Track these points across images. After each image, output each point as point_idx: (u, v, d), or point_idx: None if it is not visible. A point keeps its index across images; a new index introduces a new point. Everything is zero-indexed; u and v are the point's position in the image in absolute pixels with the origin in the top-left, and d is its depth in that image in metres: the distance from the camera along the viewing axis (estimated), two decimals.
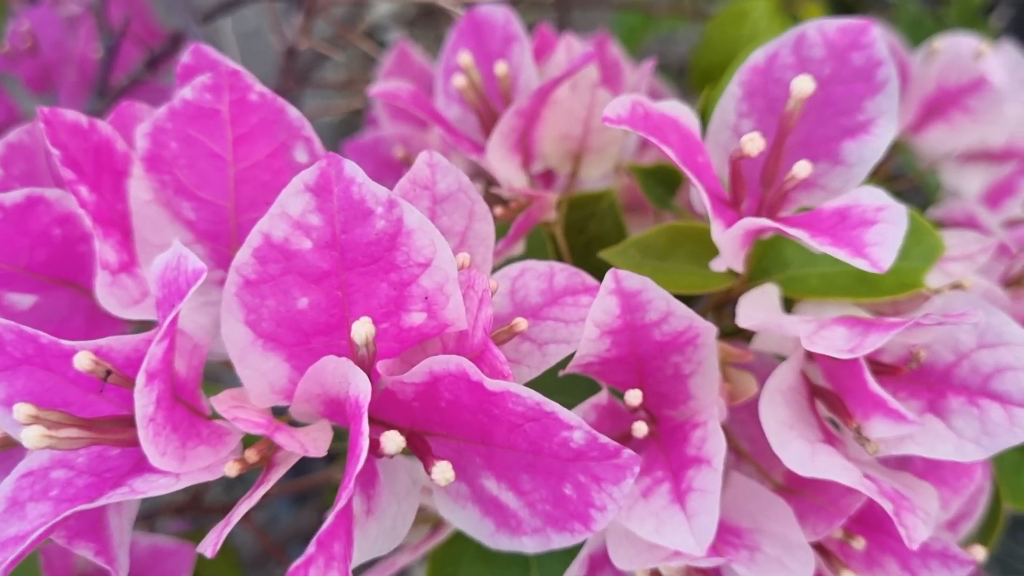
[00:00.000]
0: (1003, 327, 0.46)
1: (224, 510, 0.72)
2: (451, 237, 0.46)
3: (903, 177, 0.83)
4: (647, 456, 0.47)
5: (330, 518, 0.34)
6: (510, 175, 0.56)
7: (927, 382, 0.47)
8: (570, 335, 0.46)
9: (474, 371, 0.39)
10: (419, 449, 0.42)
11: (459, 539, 0.59)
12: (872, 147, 0.48)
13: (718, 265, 0.48)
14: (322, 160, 0.38)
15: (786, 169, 0.46)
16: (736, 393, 0.49)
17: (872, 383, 0.44)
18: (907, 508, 0.43)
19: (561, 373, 0.46)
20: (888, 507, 0.42)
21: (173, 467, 0.39)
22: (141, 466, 0.40)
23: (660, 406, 0.48)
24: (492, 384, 0.38)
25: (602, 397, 0.47)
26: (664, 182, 0.64)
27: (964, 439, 0.44)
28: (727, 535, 0.46)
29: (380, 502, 0.43)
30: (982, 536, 0.63)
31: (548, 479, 0.40)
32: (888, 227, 0.43)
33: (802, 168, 0.45)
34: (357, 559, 0.42)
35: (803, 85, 0.45)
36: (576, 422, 0.38)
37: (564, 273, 0.48)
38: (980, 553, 0.53)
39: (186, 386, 0.42)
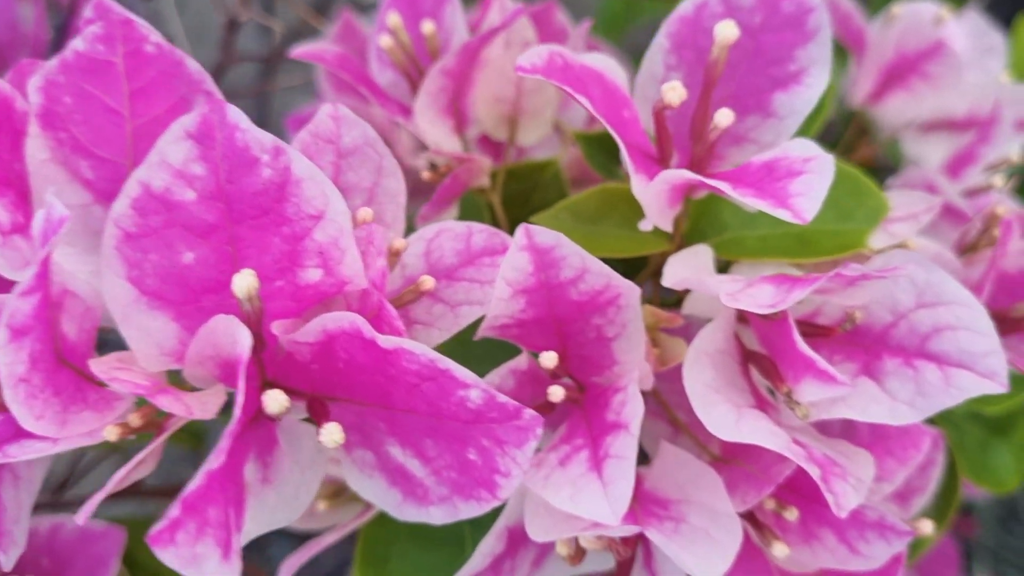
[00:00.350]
0: (943, 285, 0.44)
1: (165, 493, 0.70)
2: (358, 193, 0.44)
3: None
4: (569, 424, 0.45)
5: (196, 478, 0.32)
6: (440, 139, 0.54)
7: (863, 344, 0.45)
8: (485, 296, 0.43)
9: (367, 328, 0.36)
10: (318, 414, 0.40)
11: (391, 518, 0.57)
12: (803, 98, 0.45)
13: (645, 225, 0.46)
14: (204, 106, 0.36)
15: None
16: (666, 358, 0.47)
17: (801, 343, 0.42)
18: (837, 475, 0.41)
19: (476, 336, 0.43)
20: (815, 472, 0.40)
21: (51, 432, 0.37)
22: (22, 432, 0.38)
23: (585, 372, 0.46)
24: (385, 341, 0.36)
25: (521, 361, 0.45)
26: (608, 150, 0.62)
27: (898, 401, 0.42)
28: (653, 506, 0.44)
29: (280, 470, 0.40)
30: (938, 512, 0.61)
31: (452, 444, 0.38)
32: (814, 177, 0.41)
33: (724, 116, 0.43)
34: (254, 529, 0.40)
35: (726, 31, 0.43)
36: (472, 380, 0.36)
37: (483, 234, 0.45)
38: (927, 527, 0.50)
39: (76, 350, 0.40)
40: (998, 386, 0.41)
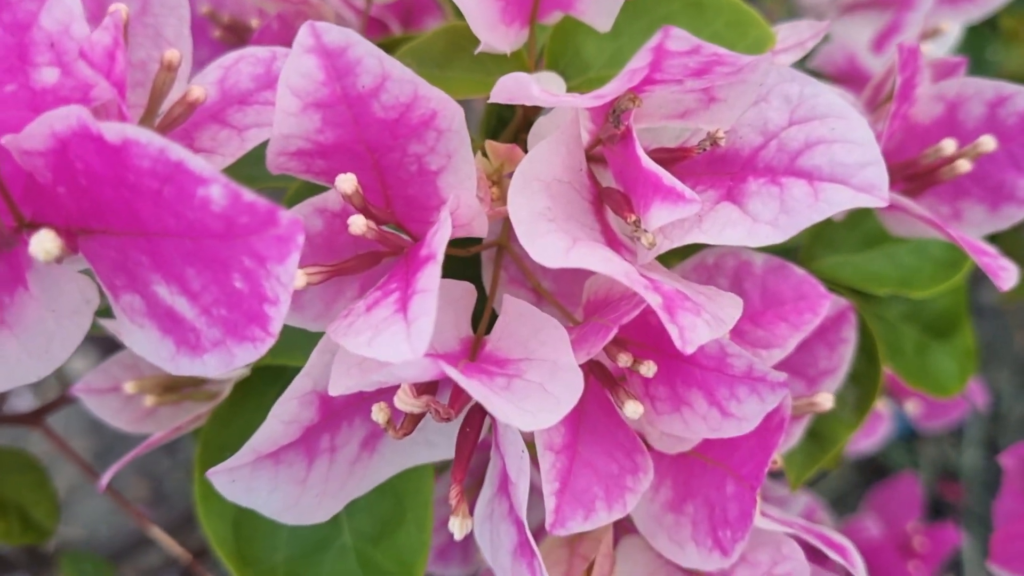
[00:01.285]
0: (817, 98, 0.37)
1: (23, 419, 0.64)
2: (128, 1, 0.37)
3: None
4: (391, 273, 0.39)
5: None
6: None
7: (730, 171, 0.39)
8: None
9: (92, 120, 0.30)
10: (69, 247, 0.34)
11: (239, 418, 0.51)
12: None
13: (481, 48, 0.40)
14: None
15: None
16: (506, 197, 0.40)
17: (645, 158, 0.36)
18: (687, 309, 0.35)
19: (269, 165, 0.37)
20: (656, 301, 0.34)
21: None
22: None
23: (414, 218, 0.40)
24: (109, 131, 0.30)
25: (328, 198, 0.38)
26: None
27: (759, 222, 0.36)
28: (489, 365, 0.38)
29: (24, 314, 0.34)
30: (860, 404, 0.54)
31: (216, 273, 0.32)
32: None
33: None
34: None
35: None
36: (210, 174, 0.29)
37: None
38: (827, 400, 0.44)
39: None
40: (877, 199, 0.35)
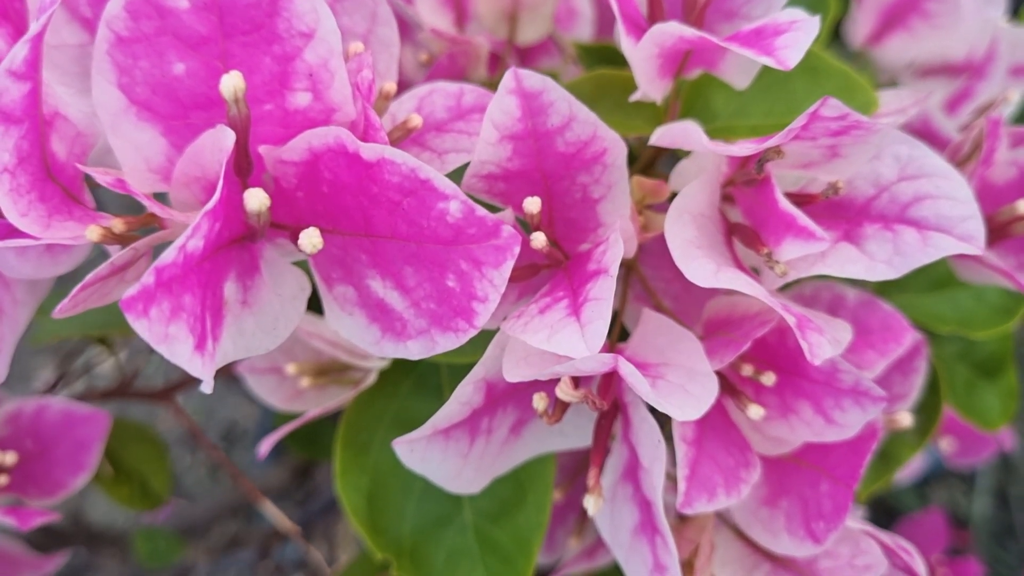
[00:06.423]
0: (925, 159, 0.44)
1: (153, 396, 0.71)
2: (352, 39, 0.44)
3: None
4: (552, 283, 0.45)
5: (171, 251, 0.32)
6: (438, 24, 0.55)
7: (845, 216, 0.45)
8: (472, 145, 0.44)
9: (351, 140, 0.37)
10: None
11: (377, 403, 0.57)
12: None
13: (635, 96, 0.47)
14: None
15: None
16: (650, 227, 0.47)
17: (782, 200, 0.42)
18: (813, 328, 0.41)
19: (463, 186, 0.44)
20: (791, 320, 0.40)
21: (35, 231, 0.38)
22: (13, 232, 0.39)
23: (570, 239, 0.46)
24: (367, 151, 0.37)
25: (506, 215, 0.45)
26: (608, 60, 0.62)
27: (875, 260, 0.42)
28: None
29: (260, 296, 0.41)
30: (922, 428, 0.60)
31: (432, 272, 0.39)
32: (799, 34, 0.41)
33: None
34: (233, 350, 0.40)
35: None
36: (452, 191, 0.36)
37: (474, 93, 0.46)
38: (906, 418, 0.51)
39: (65, 171, 0.41)
40: (975, 248, 0.41)
